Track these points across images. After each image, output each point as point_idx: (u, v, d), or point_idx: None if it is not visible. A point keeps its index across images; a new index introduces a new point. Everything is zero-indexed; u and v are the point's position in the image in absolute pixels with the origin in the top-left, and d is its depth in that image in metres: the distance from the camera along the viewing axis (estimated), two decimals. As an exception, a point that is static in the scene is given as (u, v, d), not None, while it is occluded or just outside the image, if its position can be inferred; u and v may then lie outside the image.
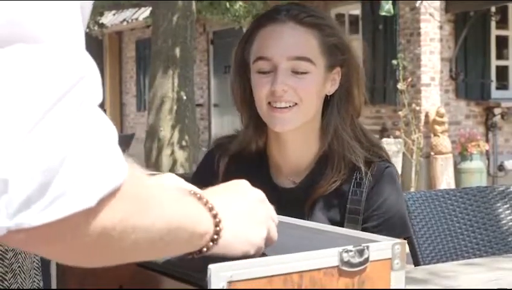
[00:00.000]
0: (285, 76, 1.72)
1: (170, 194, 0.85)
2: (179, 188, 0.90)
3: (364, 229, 1.70)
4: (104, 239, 0.73)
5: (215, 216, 0.89)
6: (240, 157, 1.86)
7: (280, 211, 1.46)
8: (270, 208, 1.01)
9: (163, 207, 0.81)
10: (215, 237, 0.88)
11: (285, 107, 1.73)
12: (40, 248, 0.73)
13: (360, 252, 0.93)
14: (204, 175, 1.91)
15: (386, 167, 1.79)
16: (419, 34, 9.64)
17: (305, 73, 1.73)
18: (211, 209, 0.89)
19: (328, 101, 1.81)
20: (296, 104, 1.74)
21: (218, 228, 0.89)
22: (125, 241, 0.76)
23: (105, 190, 0.71)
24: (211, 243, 0.88)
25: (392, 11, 8.51)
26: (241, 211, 0.95)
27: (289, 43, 1.74)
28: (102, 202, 0.71)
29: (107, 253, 0.77)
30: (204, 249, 0.88)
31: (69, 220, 0.69)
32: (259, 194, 1.00)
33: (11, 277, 1.41)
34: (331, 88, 1.80)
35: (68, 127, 0.69)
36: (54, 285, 1.13)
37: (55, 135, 0.68)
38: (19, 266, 1.42)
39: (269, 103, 1.75)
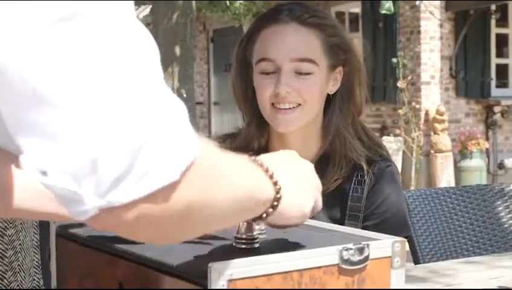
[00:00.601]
0: (288, 77, 1.73)
1: (240, 164, 0.88)
2: (243, 156, 0.91)
3: (364, 228, 1.70)
4: (188, 212, 0.75)
5: (275, 183, 0.91)
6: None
7: None
8: (317, 178, 1.04)
9: (237, 177, 0.84)
10: (275, 203, 0.91)
11: (289, 108, 1.74)
12: (132, 229, 0.74)
13: (360, 250, 0.93)
14: None
15: (387, 166, 1.79)
16: (419, 32, 9.64)
17: (308, 74, 1.74)
18: (271, 176, 0.91)
19: (329, 100, 1.81)
20: (299, 104, 1.74)
21: (278, 195, 0.91)
22: (206, 212, 0.77)
23: (186, 163, 0.72)
24: (271, 210, 0.91)
25: (392, 9, 8.51)
26: (295, 180, 0.97)
27: (292, 45, 1.74)
28: (183, 175, 0.72)
29: (192, 225, 0.79)
30: (264, 215, 0.91)
31: (157, 195, 0.71)
32: (309, 165, 1.04)
33: (11, 275, 1.41)
34: (333, 87, 1.80)
35: (149, 105, 0.71)
36: (54, 283, 1.13)
37: (139, 114, 0.70)
38: (19, 265, 1.43)
39: (272, 103, 1.75)
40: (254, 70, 1.79)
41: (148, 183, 0.70)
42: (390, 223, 1.77)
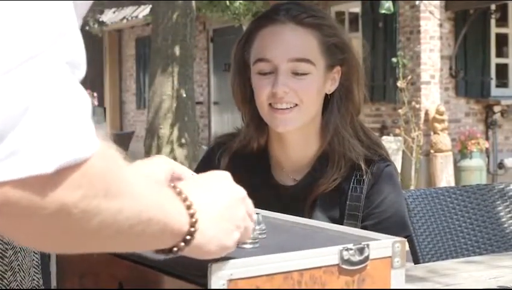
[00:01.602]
0: (285, 77, 1.73)
1: (146, 183, 0.79)
2: (159, 179, 0.85)
3: (363, 228, 1.70)
4: (63, 216, 0.67)
5: (192, 215, 0.83)
6: (241, 155, 1.86)
7: (281, 208, 1.46)
8: (249, 206, 0.94)
9: (136, 194, 0.76)
10: (188, 237, 0.83)
11: (286, 108, 1.74)
12: None
13: (361, 251, 0.93)
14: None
15: (385, 166, 1.79)
16: (419, 32, 9.63)
17: (305, 74, 1.74)
18: (188, 207, 0.83)
19: (328, 99, 1.82)
20: (296, 105, 1.74)
21: (193, 229, 0.83)
22: (88, 224, 0.70)
23: (67, 159, 0.65)
24: (183, 244, 0.83)
25: (392, 9, 8.53)
26: (219, 211, 0.88)
27: (290, 45, 1.74)
28: (63, 173, 0.65)
29: (68, 234, 0.71)
30: (175, 249, 0.83)
31: (26, 184, 0.64)
32: (239, 193, 0.93)
33: (11, 275, 1.41)
34: (331, 87, 1.81)
35: (37, 84, 0.64)
36: (53, 283, 1.13)
37: (20, 86, 0.63)
38: (18, 265, 1.42)
39: (270, 104, 1.75)
40: (252, 70, 1.79)
41: (15, 166, 0.63)
42: (389, 223, 1.77)
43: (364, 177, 1.77)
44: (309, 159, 1.83)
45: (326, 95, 1.81)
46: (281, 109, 1.74)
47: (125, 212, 0.73)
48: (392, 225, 1.76)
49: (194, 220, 0.83)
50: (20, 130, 0.63)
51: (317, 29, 1.76)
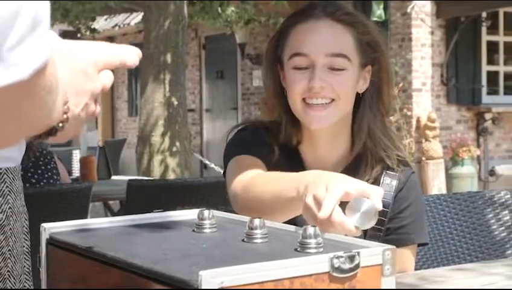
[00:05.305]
0: (322, 72, 1.73)
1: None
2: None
3: (386, 230, 1.75)
4: None
5: (62, 121, 0.93)
6: (278, 150, 1.82)
7: None
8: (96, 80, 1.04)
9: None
10: (59, 126, 0.93)
11: (321, 104, 1.73)
12: None
13: (351, 258, 0.93)
14: (262, 149, 1.81)
15: (412, 172, 1.84)
16: (410, 40, 9.66)
17: (341, 70, 1.74)
18: (65, 112, 0.92)
19: (358, 99, 1.82)
20: (332, 100, 1.74)
21: (60, 125, 0.93)
22: None
23: None
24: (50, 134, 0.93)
25: (383, 16, 8.53)
26: (78, 92, 0.97)
27: (327, 40, 1.75)
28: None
29: None
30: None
31: None
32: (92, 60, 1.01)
33: (0, 281, 1.40)
34: (362, 86, 1.81)
35: None
36: (44, 291, 1.13)
37: None
38: (8, 271, 1.42)
39: (303, 99, 1.74)
40: (286, 65, 1.78)
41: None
42: (410, 228, 1.81)
43: (393, 181, 1.79)
44: (339, 159, 1.82)
45: (356, 94, 1.81)
46: (316, 105, 1.73)
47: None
48: (413, 231, 1.80)
49: (65, 117, 0.94)
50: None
51: (352, 27, 1.77)
